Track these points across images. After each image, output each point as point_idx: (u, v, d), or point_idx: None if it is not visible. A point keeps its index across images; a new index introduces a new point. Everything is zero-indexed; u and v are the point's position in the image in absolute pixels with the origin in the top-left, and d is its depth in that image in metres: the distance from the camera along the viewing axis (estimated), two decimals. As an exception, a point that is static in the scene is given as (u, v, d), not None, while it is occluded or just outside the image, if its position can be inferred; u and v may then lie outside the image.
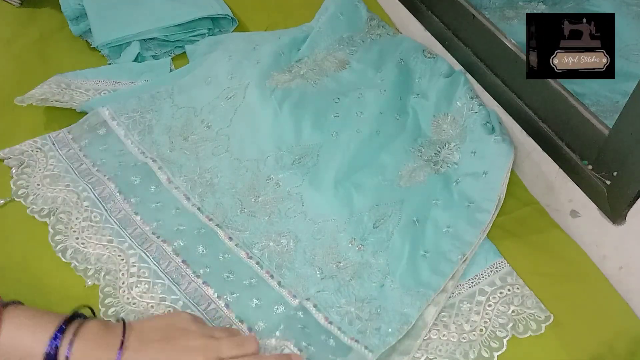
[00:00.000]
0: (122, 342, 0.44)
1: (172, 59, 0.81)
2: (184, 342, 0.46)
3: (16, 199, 0.61)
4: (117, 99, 0.71)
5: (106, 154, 0.66)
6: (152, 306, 0.54)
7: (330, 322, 0.53)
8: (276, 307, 0.55)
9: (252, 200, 0.63)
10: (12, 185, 0.62)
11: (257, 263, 0.58)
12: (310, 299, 0.55)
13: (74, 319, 0.44)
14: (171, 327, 0.47)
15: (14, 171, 0.63)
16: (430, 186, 0.63)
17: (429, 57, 0.74)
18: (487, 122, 0.64)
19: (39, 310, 0.44)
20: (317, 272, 0.57)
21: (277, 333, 0.52)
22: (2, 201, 0.61)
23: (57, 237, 0.58)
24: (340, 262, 0.57)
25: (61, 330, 0.42)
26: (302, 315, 0.54)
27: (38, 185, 0.62)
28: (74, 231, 0.58)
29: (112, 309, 0.53)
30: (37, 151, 0.65)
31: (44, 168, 0.64)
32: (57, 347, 0.42)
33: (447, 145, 0.66)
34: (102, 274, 0.55)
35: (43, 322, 0.43)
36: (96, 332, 0.44)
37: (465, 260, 0.56)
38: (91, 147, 0.67)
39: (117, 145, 0.67)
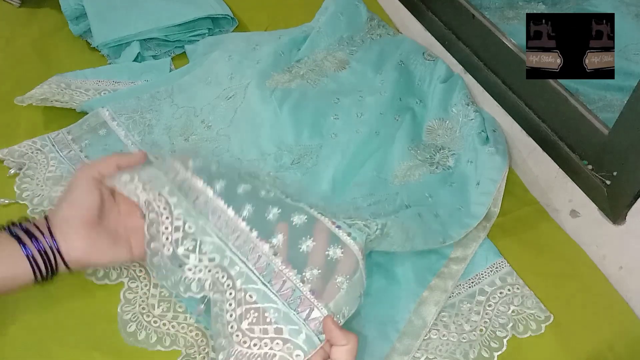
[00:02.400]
0: None
1: (172, 59, 0.81)
2: None
3: (20, 202, 0.60)
4: (117, 99, 0.71)
5: (107, 154, 0.66)
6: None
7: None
8: None
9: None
10: (15, 189, 0.61)
11: None
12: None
13: None
14: None
15: (12, 172, 0.63)
16: (425, 183, 0.63)
17: (428, 60, 0.74)
18: (482, 131, 0.64)
19: None
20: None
21: None
22: (6, 201, 0.61)
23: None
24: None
25: None
26: None
27: (41, 187, 0.62)
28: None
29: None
30: (37, 152, 0.65)
31: (46, 170, 0.64)
32: None
33: (441, 150, 0.66)
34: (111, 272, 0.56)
35: None
36: None
37: (445, 244, 0.56)
38: (92, 147, 0.67)
39: (117, 146, 0.67)
